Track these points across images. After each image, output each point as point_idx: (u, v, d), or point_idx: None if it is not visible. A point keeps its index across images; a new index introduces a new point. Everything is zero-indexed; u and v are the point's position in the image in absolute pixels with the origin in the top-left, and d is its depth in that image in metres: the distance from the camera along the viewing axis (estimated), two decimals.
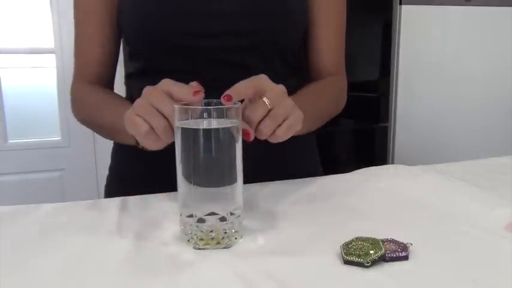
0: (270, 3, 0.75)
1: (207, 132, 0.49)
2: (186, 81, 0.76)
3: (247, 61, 0.76)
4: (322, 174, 0.90)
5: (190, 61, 0.75)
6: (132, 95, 0.84)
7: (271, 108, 0.54)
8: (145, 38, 0.75)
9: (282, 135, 0.56)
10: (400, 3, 1.81)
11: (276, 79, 0.81)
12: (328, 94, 0.80)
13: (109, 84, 0.82)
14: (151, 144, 0.55)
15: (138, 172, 0.81)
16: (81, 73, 0.80)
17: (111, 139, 0.79)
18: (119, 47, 0.82)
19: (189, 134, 0.49)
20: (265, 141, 0.71)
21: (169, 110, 0.52)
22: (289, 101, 0.57)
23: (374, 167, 0.81)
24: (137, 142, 0.59)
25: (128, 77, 0.85)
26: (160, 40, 0.74)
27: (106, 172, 0.87)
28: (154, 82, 0.79)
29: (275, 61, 0.80)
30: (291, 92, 0.83)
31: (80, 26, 0.79)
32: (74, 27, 0.80)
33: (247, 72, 0.77)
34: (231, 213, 0.51)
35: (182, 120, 0.50)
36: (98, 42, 0.78)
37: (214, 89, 0.76)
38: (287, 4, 0.77)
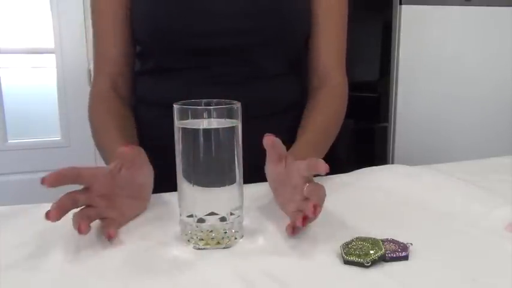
0: (273, 2, 0.76)
1: (207, 132, 0.49)
2: (195, 78, 0.78)
3: (255, 58, 0.78)
4: None
5: (199, 59, 0.77)
6: (140, 93, 0.85)
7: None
8: (155, 38, 0.77)
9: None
10: (400, 3, 1.81)
11: (281, 78, 0.82)
12: (331, 130, 0.80)
13: (127, 82, 0.83)
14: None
15: None
16: (100, 68, 0.82)
17: None
18: (135, 48, 0.83)
19: (189, 134, 0.49)
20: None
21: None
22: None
23: (374, 167, 0.81)
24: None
25: (138, 74, 0.86)
26: (169, 40, 0.76)
27: None
28: (163, 80, 0.80)
29: (281, 60, 0.82)
30: (290, 92, 0.84)
31: (95, 25, 0.81)
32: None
33: (255, 68, 0.78)
34: (231, 213, 0.51)
35: (182, 120, 0.50)
36: (111, 42, 0.80)
37: (222, 84, 0.77)
38: (291, 3, 0.78)
